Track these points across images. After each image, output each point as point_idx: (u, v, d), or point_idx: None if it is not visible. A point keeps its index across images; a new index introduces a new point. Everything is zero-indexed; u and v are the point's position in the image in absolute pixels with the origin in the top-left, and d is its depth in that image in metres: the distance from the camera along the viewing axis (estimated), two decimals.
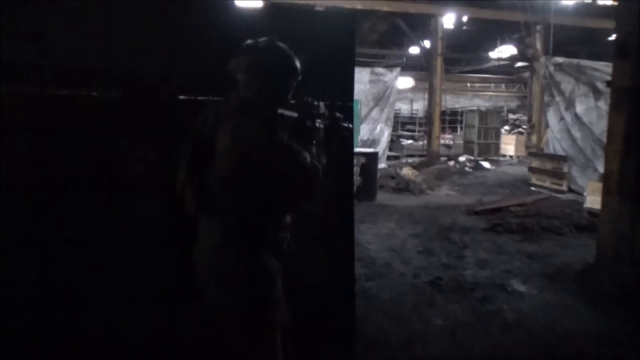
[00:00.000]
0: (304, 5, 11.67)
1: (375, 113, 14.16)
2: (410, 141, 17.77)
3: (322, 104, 2.04)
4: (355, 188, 7.69)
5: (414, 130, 18.99)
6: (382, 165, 13.69)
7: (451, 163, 13.55)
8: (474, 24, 16.05)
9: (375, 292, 4.20)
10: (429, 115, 14.49)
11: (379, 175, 9.80)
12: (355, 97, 11.01)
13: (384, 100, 14.20)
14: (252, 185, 1.75)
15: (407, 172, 10.14)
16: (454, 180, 11.17)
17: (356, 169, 7.99)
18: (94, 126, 2.44)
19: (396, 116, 19.26)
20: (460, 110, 19.39)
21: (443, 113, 19.81)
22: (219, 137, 1.79)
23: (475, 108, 17.09)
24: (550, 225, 6.59)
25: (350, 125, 2.29)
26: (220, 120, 1.83)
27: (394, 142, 17.32)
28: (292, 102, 1.98)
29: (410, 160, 15.05)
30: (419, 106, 18.73)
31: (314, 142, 1.96)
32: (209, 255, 1.87)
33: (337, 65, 2.94)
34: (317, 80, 2.86)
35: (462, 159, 13.94)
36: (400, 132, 18.65)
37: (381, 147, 14.07)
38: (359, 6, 13.22)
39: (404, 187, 9.28)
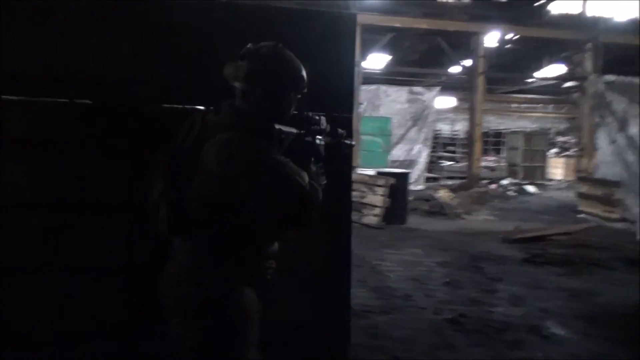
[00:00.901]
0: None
1: (413, 133, 13.74)
2: (450, 163, 17.11)
3: (323, 118, 1.77)
4: (382, 210, 7.28)
5: (454, 152, 18.33)
6: (419, 186, 13.20)
7: (492, 186, 12.85)
8: (519, 42, 15.40)
9: (386, 329, 3.74)
10: (469, 136, 13.87)
11: (412, 197, 9.32)
12: (393, 116, 10.81)
13: (422, 120, 13.77)
14: (236, 209, 1.52)
15: (442, 194, 9.60)
16: (493, 205, 10.51)
17: (385, 190, 7.56)
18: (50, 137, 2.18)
19: (437, 137, 18.68)
20: (504, 131, 18.60)
21: (486, 134, 19.16)
22: (203, 152, 1.55)
23: (519, 129, 16.29)
24: (598, 257, 5.91)
25: (353, 142, 1.96)
26: (207, 132, 1.58)
27: (433, 164, 16.74)
28: (292, 115, 1.72)
29: (449, 182, 14.41)
30: (461, 127, 18.08)
31: (314, 161, 1.70)
32: (177, 283, 1.63)
33: (336, 73, 2.59)
34: (314, 89, 2.56)
35: (504, 182, 13.22)
36: (441, 153, 18.02)
37: (419, 168, 13.61)
38: (397, 24, 12.92)
39: (437, 210, 8.76)
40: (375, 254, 5.96)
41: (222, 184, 1.51)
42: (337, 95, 2.60)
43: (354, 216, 7.75)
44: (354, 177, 8.17)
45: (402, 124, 13.66)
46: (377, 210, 7.47)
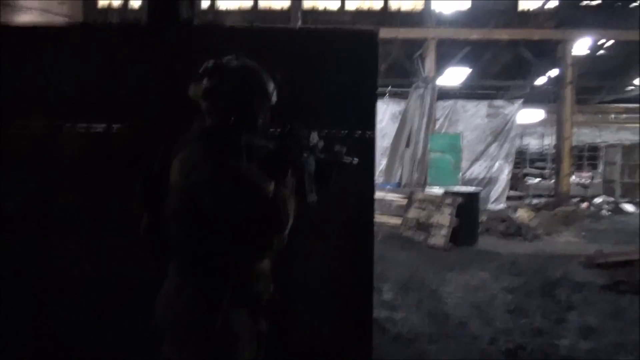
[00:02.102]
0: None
1: (493, 149, 13.06)
2: (538, 180, 15.99)
3: (314, 134, 1.74)
4: (449, 230, 6.98)
5: (544, 168, 17.12)
6: (500, 205, 12.50)
7: (584, 205, 11.82)
8: (614, 47, 14.20)
9: (432, 359, 3.53)
10: (557, 150, 12.93)
11: (486, 217, 8.84)
12: (471, 131, 10.37)
13: (503, 135, 13.06)
14: (203, 223, 1.54)
15: (521, 214, 8.99)
16: (583, 225, 9.63)
17: (452, 210, 7.23)
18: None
19: (523, 152, 17.67)
20: (602, 145, 17.09)
21: (581, 149, 17.73)
22: (171, 170, 1.59)
23: (617, 142, 14.90)
24: None
25: (355, 160, 1.90)
26: (175, 150, 1.63)
27: (518, 181, 15.78)
28: (279, 130, 1.71)
29: (535, 201, 13.47)
30: (551, 141, 16.90)
31: (291, 173, 1.66)
32: (164, 304, 1.65)
33: (357, 91, 2.54)
34: (333, 107, 2.53)
35: (598, 200, 12.12)
36: (528, 170, 16.93)
37: (500, 186, 12.89)
38: (474, 36, 12.49)
39: (514, 231, 8.19)
40: (437, 276, 5.69)
41: (187, 197, 1.53)
42: (358, 112, 2.55)
43: (420, 236, 7.50)
44: (420, 196, 7.96)
45: (482, 140, 13.03)
46: (444, 231, 7.16)
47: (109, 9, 13.00)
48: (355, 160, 1.89)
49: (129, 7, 12.71)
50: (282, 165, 1.64)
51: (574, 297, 5.00)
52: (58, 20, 6.17)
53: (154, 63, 2.36)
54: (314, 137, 1.73)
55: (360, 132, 2.53)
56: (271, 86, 1.68)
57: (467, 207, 7.33)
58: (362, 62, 2.52)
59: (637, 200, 12.71)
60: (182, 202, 1.54)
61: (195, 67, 1.60)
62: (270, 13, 13.69)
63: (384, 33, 12.19)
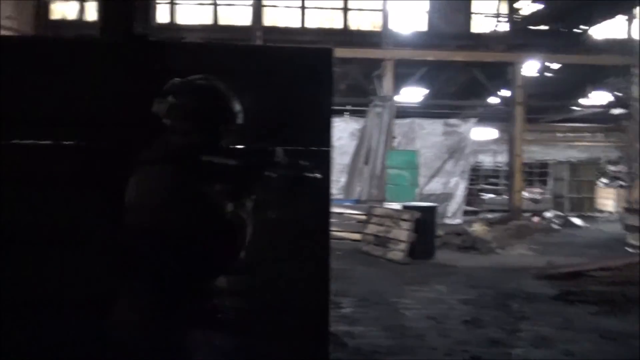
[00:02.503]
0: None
1: (449, 166, 13.45)
2: (492, 195, 16.53)
3: (279, 150, 1.77)
4: (408, 245, 7.09)
5: (498, 184, 17.73)
6: (456, 220, 12.82)
7: (535, 219, 12.27)
8: (561, 70, 14.97)
9: None
10: (509, 167, 13.43)
11: (443, 231, 9.04)
12: (428, 149, 10.62)
13: (458, 152, 13.48)
14: (159, 243, 1.52)
15: (476, 228, 9.25)
16: (534, 239, 9.99)
17: (410, 225, 7.37)
18: None
19: (478, 169, 18.21)
20: (551, 162, 17.85)
21: (531, 165, 18.45)
22: (128, 187, 1.57)
23: (564, 160, 15.61)
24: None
25: (318, 176, 1.93)
26: (135, 168, 1.60)
27: (473, 197, 16.24)
28: (240, 148, 1.74)
29: (490, 215, 13.88)
30: (504, 158, 17.52)
31: (253, 192, 1.68)
32: (118, 323, 1.62)
33: (312, 108, 2.57)
34: (290, 123, 2.55)
35: (548, 214, 12.60)
36: (482, 186, 17.47)
37: (456, 202, 13.26)
38: (430, 57, 12.91)
39: (470, 245, 8.41)
40: (395, 290, 5.76)
41: (141, 218, 1.52)
42: (313, 129, 2.58)
43: (379, 251, 7.59)
44: (378, 211, 8.07)
45: (439, 157, 13.41)
46: (402, 245, 7.27)
47: (61, 23, 12.67)
48: (319, 175, 1.93)
49: (84, 19, 12.38)
50: (244, 185, 1.65)
51: (526, 307, 5.17)
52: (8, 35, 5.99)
53: (107, 79, 2.33)
54: (280, 152, 1.75)
55: (316, 148, 2.56)
56: (237, 107, 1.68)
57: (425, 221, 7.48)
58: (318, 79, 2.55)
59: (586, 214, 13.31)
60: (137, 221, 1.53)
61: (149, 83, 1.60)
62: (231, 29, 13.70)
63: (344, 53, 12.45)
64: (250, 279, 2.30)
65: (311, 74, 2.56)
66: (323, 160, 2.57)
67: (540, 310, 5.08)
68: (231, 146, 1.76)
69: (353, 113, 14.75)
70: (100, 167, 1.81)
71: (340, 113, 14.65)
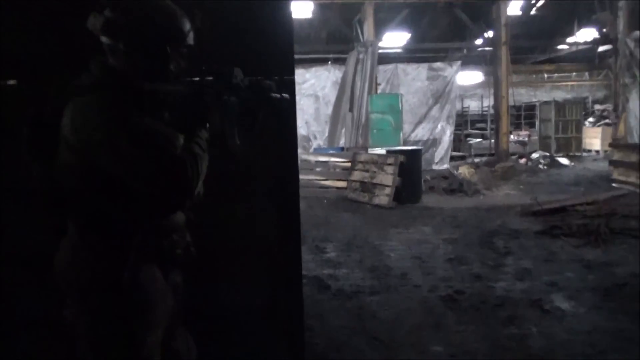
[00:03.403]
0: None
1: (435, 111, 13.24)
2: (479, 140, 16.45)
3: (237, 70, 1.57)
4: (393, 189, 7.01)
5: (484, 129, 17.60)
6: (444, 166, 12.76)
7: (522, 161, 12.25)
8: (545, 7, 14.60)
9: (373, 310, 3.52)
10: (495, 110, 13.26)
11: (429, 175, 8.98)
12: (413, 94, 10.37)
13: (444, 97, 13.24)
14: (98, 181, 1.37)
15: (463, 171, 9.19)
16: (520, 179, 9.98)
17: (395, 169, 7.27)
18: None
19: (464, 114, 18.06)
20: (537, 103, 17.72)
21: (517, 108, 18.30)
22: (62, 121, 1.38)
23: (551, 100, 15.47)
24: (624, 226, 5.46)
25: (286, 96, 1.73)
26: (67, 96, 1.41)
27: (461, 142, 16.17)
28: (192, 71, 1.53)
29: (477, 160, 13.85)
30: (490, 102, 17.36)
31: (209, 120, 1.51)
32: (64, 262, 1.49)
33: (272, 33, 2.38)
34: (249, 50, 2.37)
35: (535, 155, 12.58)
36: (469, 131, 17.35)
37: (443, 147, 13.15)
38: None
39: (456, 187, 8.36)
40: (380, 234, 5.71)
41: (78, 155, 1.35)
42: (275, 56, 2.40)
43: (364, 197, 7.51)
44: (363, 158, 7.94)
45: (424, 103, 13.17)
46: (387, 190, 7.20)
47: None
48: (286, 96, 1.73)
49: None
50: (197, 112, 1.48)
51: (510, 243, 5.15)
52: None
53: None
54: (239, 73, 1.56)
55: (277, 77, 2.38)
56: (187, 25, 1.47)
57: (410, 165, 7.38)
58: (278, 6, 2.36)
59: (572, 154, 13.31)
60: (74, 158, 1.36)
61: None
62: None
63: None
64: (214, 214, 2.18)
65: (271, 12, 2.37)
66: (287, 89, 2.42)
67: (525, 246, 5.06)
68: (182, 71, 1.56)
69: (336, 61, 14.38)
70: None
71: (322, 62, 14.28)
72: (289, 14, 2.47)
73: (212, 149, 1.50)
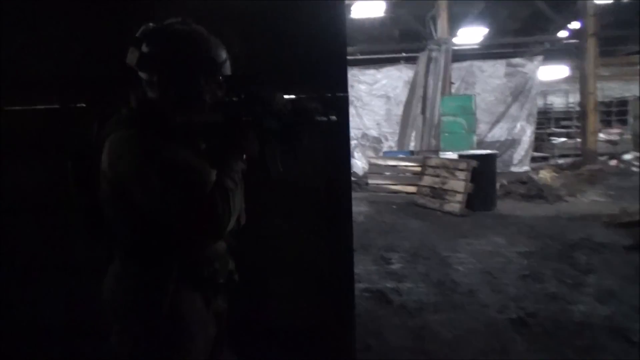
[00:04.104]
0: None
1: (514, 110, 12.60)
2: (563, 139, 15.37)
3: (279, 95, 1.54)
4: (465, 196, 6.73)
5: (570, 127, 16.42)
6: (524, 168, 12.13)
7: (612, 163, 11.31)
8: None
9: (436, 330, 3.36)
10: (581, 107, 12.35)
11: (506, 180, 8.51)
12: (490, 93, 9.98)
13: (523, 95, 12.56)
14: (136, 213, 1.40)
15: (543, 175, 8.62)
16: (610, 184, 9.20)
17: (467, 175, 6.95)
18: None
19: (547, 111, 16.96)
20: (631, 99, 16.24)
21: (608, 104, 16.90)
22: (102, 155, 1.43)
23: None
24: None
25: (333, 118, 1.67)
26: (108, 130, 1.46)
27: (543, 142, 15.21)
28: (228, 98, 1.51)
29: (561, 161, 12.98)
30: (577, 98, 16.19)
31: (246, 150, 1.48)
32: (109, 287, 1.54)
33: (325, 51, 2.31)
34: (300, 68, 2.33)
35: (627, 156, 11.56)
36: (553, 130, 16.26)
37: (523, 148, 12.50)
38: None
39: (535, 193, 7.85)
40: (449, 244, 5.47)
41: (115, 188, 1.39)
42: (328, 74, 2.33)
43: (434, 204, 7.26)
44: (433, 162, 7.68)
45: (501, 101, 12.56)
46: (458, 197, 6.90)
47: None
48: (333, 118, 1.66)
49: None
50: (233, 143, 1.45)
51: (593, 259, 4.74)
52: None
53: (91, 29, 2.19)
54: (280, 97, 1.51)
55: (330, 95, 2.31)
56: (222, 55, 1.47)
57: (483, 170, 7.02)
58: (329, 15, 2.29)
59: None
60: (111, 191, 1.41)
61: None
62: None
63: None
64: (260, 241, 2.16)
65: (321, 11, 2.30)
66: (339, 107, 2.35)
67: (610, 262, 4.63)
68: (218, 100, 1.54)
69: (408, 60, 14.05)
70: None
71: (394, 61, 14.01)
72: (343, 27, 2.38)
73: (252, 174, 1.48)
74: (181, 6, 2.16)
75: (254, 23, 2.20)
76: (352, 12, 11.84)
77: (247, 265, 1.70)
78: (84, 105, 2.34)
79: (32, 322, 2.24)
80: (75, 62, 2.23)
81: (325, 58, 2.31)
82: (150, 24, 1.44)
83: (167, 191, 1.32)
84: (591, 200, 7.86)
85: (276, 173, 1.56)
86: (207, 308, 1.55)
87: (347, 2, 11.53)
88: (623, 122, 16.54)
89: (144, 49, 1.40)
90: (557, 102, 17.52)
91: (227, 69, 1.50)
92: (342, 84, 2.35)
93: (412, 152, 9.44)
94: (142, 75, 1.43)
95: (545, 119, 16.33)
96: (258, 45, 2.21)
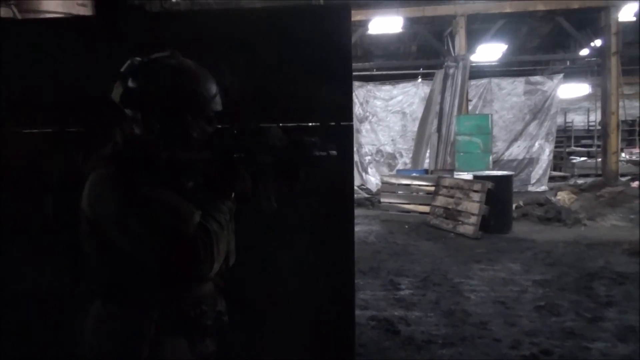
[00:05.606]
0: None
1: (532, 128, 12.38)
2: (583, 158, 15.03)
3: (274, 129, 1.46)
4: (479, 218, 6.55)
5: (591, 145, 16.07)
6: (542, 187, 11.89)
7: (634, 184, 10.94)
8: None
9: None
10: (603, 126, 12.06)
11: (522, 202, 8.30)
12: (508, 110, 9.81)
13: (542, 113, 12.34)
14: (115, 254, 1.33)
15: (562, 196, 8.38)
16: (632, 207, 8.85)
17: (482, 196, 6.77)
18: None
19: (567, 129, 16.69)
20: None
21: (631, 123, 16.54)
22: (83, 191, 1.36)
23: None
24: None
25: (333, 153, 1.58)
26: (90, 166, 1.39)
27: (562, 160, 14.91)
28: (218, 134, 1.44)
29: (581, 181, 12.66)
30: (598, 117, 15.86)
31: (236, 189, 1.40)
32: (89, 329, 1.45)
33: (330, 78, 2.22)
34: (301, 96, 2.24)
35: None
36: (573, 149, 15.94)
37: (541, 167, 12.25)
38: (507, 8, 11.73)
39: (553, 216, 7.62)
40: (461, 269, 5.30)
41: (94, 228, 1.32)
42: (332, 102, 2.23)
43: (448, 225, 7.09)
44: (448, 182, 7.51)
45: (520, 119, 12.36)
46: (473, 219, 6.71)
47: None
48: (334, 152, 1.56)
49: None
50: (221, 182, 1.37)
51: (614, 291, 4.51)
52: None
53: (101, 57, 2.13)
54: (276, 132, 1.43)
55: (334, 123, 2.21)
56: (211, 90, 1.38)
57: (499, 192, 6.83)
58: (333, 41, 2.20)
59: None
60: (91, 230, 1.34)
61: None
62: None
63: (411, 12, 11.67)
64: (256, 276, 2.06)
65: (326, 36, 2.21)
66: (343, 137, 2.25)
67: (631, 295, 4.40)
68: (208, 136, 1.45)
69: (425, 77, 13.93)
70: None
71: (411, 77, 13.91)
72: (349, 55, 2.28)
73: (244, 212, 1.41)
74: (185, 32, 2.11)
75: (257, 50, 2.11)
76: (369, 28, 11.81)
77: (243, 302, 1.60)
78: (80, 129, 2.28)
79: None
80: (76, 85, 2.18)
81: (330, 86, 2.22)
82: (137, 58, 1.37)
83: (146, 234, 1.25)
84: (611, 224, 7.59)
85: (270, 210, 1.47)
86: (191, 352, 1.46)
87: (365, 18, 11.51)
88: None
89: (130, 84, 1.33)
90: (578, 120, 17.24)
91: (217, 104, 1.41)
92: (347, 113, 2.25)
93: (425, 171, 9.27)
94: (127, 111, 1.36)
95: (565, 137, 16.05)
96: (261, 73, 2.12)
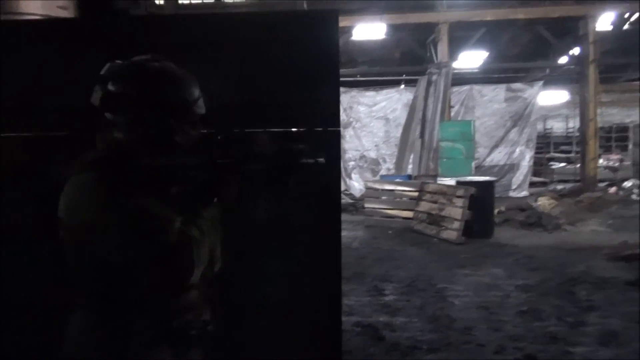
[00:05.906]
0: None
1: (513, 134, 12.58)
2: (563, 164, 15.30)
3: (262, 136, 1.46)
4: (462, 223, 6.60)
5: (570, 152, 16.38)
6: (523, 193, 12.06)
7: (612, 190, 11.18)
8: None
9: None
10: (582, 133, 12.30)
11: (504, 207, 8.39)
12: (489, 117, 9.92)
13: (523, 120, 12.55)
14: (94, 262, 1.29)
15: (542, 202, 8.50)
16: (610, 212, 9.04)
17: (464, 201, 6.82)
18: None
19: (547, 135, 16.97)
20: (631, 125, 16.22)
21: (608, 130, 16.89)
22: (61, 197, 1.32)
23: None
24: None
25: (321, 160, 1.55)
26: (71, 173, 1.34)
27: (542, 166, 15.15)
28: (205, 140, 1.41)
29: (560, 187, 12.87)
30: (576, 123, 16.17)
31: (222, 195, 1.39)
32: (70, 342, 1.41)
33: (316, 84, 2.20)
34: (288, 102, 2.22)
35: (627, 184, 11.45)
36: (552, 155, 16.22)
37: (521, 173, 12.43)
38: (489, 16, 11.91)
39: (534, 221, 7.72)
40: (445, 275, 5.32)
41: (72, 236, 1.28)
42: (320, 108, 2.22)
43: (431, 230, 7.13)
44: (431, 188, 7.56)
45: (501, 125, 12.55)
46: (456, 224, 6.76)
47: None
48: (322, 160, 1.54)
49: None
50: (204, 188, 1.35)
51: (595, 295, 4.58)
52: None
53: (84, 60, 2.08)
54: (264, 138, 1.43)
55: (322, 130, 2.20)
56: (194, 93, 1.36)
57: (481, 198, 6.90)
58: (320, 47, 2.18)
59: None
60: (69, 238, 1.30)
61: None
62: None
63: (395, 19, 11.77)
64: (242, 283, 2.03)
65: (313, 42, 2.19)
66: (330, 143, 2.23)
67: (612, 299, 4.47)
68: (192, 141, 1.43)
69: (408, 83, 14.04)
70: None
71: (395, 84, 14.01)
72: (336, 60, 2.27)
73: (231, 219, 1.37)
74: (170, 36, 2.07)
75: (244, 55, 2.09)
76: (353, 34, 11.86)
77: (228, 309, 1.57)
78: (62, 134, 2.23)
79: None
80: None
81: (317, 92, 2.20)
82: (117, 62, 1.34)
83: (124, 242, 1.22)
84: (591, 229, 7.72)
85: (257, 217, 1.46)
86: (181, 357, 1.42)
87: (349, 24, 11.56)
88: (623, 148, 16.50)
89: (110, 87, 1.30)
90: (557, 126, 17.53)
91: (201, 108, 1.39)
92: (335, 119, 2.23)
93: (409, 177, 9.33)
94: (107, 115, 1.33)
95: (545, 144, 16.31)
96: (247, 79, 2.10)
